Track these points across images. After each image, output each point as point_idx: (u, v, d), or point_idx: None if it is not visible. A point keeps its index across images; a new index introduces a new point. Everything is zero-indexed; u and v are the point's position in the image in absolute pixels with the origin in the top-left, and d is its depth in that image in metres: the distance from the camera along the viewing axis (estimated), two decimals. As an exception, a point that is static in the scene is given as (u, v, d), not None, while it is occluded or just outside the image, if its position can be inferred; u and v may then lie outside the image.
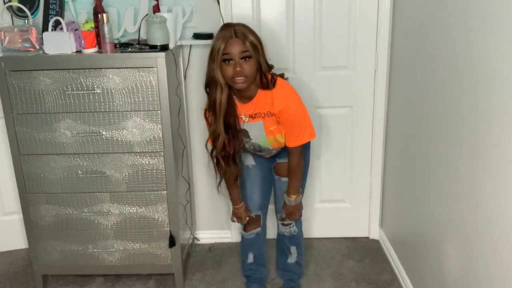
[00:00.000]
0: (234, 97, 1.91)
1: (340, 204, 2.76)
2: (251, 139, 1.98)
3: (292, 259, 2.28)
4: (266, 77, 1.86)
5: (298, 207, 2.12)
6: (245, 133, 1.97)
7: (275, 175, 2.15)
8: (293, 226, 2.21)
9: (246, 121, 1.93)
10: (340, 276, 2.44)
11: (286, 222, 2.20)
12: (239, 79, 1.77)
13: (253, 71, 1.80)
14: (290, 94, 1.90)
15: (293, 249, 2.27)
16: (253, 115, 1.92)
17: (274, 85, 1.87)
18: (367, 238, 2.81)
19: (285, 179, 2.10)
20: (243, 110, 1.92)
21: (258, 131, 1.94)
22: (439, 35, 1.79)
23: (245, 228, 2.23)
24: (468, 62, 1.55)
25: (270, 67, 1.90)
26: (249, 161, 2.14)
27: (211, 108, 1.90)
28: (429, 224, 1.97)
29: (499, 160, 1.37)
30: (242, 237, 2.28)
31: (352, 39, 2.44)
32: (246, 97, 1.90)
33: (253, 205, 2.17)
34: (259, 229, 2.22)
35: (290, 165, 2.03)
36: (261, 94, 1.88)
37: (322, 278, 2.43)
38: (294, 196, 2.07)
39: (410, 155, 2.20)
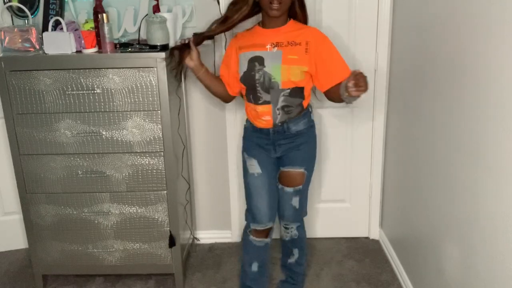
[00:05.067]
0: (258, 25, 1.96)
1: (340, 204, 2.76)
2: (265, 67, 1.90)
3: (292, 259, 2.28)
4: (305, 11, 1.98)
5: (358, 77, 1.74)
6: (260, 60, 1.91)
7: (279, 185, 2.08)
8: (294, 229, 2.18)
9: (268, 49, 1.90)
10: (340, 276, 2.44)
11: (288, 227, 2.17)
12: (275, 6, 1.80)
13: (289, 1, 1.85)
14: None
15: (295, 251, 2.25)
16: (275, 44, 1.90)
17: (307, 22, 2.00)
18: (367, 238, 2.81)
19: (289, 189, 2.06)
20: (267, 38, 1.92)
21: (274, 59, 1.89)
22: (439, 35, 1.79)
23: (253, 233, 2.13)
24: (468, 62, 1.55)
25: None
26: (255, 168, 2.04)
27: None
28: (429, 224, 1.97)
29: (499, 160, 1.37)
30: (250, 242, 2.12)
31: (352, 39, 2.44)
32: (273, 25, 1.92)
33: (262, 216, 2.05)
34: (268, 239, 2.14)
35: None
36: (290, 25, 1.93)
37: (322, 278, 2.43)
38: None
39: (410, 155, 2.20)
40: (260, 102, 1.94)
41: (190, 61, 1.99)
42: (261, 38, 1.92)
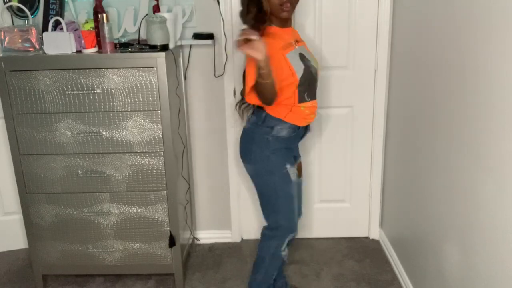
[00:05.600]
0: (274, 25, 1.87)
1: (340, 204, 2.76)
2: (310, 61, 1.90)
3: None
4: None
5: None
6: (304, 56, 1.89)
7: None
8: None
9: (296, 46, 1.89)
10: (340, 276, 2.44)
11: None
12: (287, 8, 1.79)
13: (296, 2, 1.85)
14: None
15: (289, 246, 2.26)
16: (295, 41, 1.93)
17: None
18: (367, 238, 2.81)
19: (301, 178, 2.14)
20: (289, 37, 1.90)
21: (307, 53, 1.93)
22: (439, 35, 1.79)
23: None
24: (468, 62, 1.55)
25: None
26: (295, 175, 1.96)
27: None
28: (429, 224, 1.97)
29: (499, 160, 1.37)
30: (279, 257, 2.04)
31: (352, 39, 2.45)
32: (288, 25, 1.91)
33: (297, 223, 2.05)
34: None
35: None
36: None
37: (322, 278, 2.43)
38: None
39: (410, 155, 2.20)
40: (314, 96, 1.95)
41: (258, 53, 1.61)
42: (286, 37, 1.89)
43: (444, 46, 1.75)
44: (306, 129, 2.02)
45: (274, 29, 1.86)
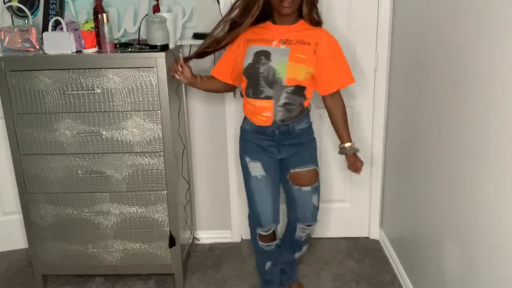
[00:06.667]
0: (269, 21, 1.94)
1: (340, 204, 2.76)
2: (270, 62, 1.87)
3: (299, 254, 2.27)
4: (317, 13, 1.95)
5: (357, 156, 2.07)
6: (266, 54, 1.90)
7: (294, 185, 2.06)
8: (312, 228, 2.16)
9: (275, 45, 1.90)
10: (340, 276, 2.44)
11: (309, 228, 2.14)
12: (287, 3, 1.80)
13: None
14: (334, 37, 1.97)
15: (305, 247, 2.25)
16: (284, 40, 1.90)
17: (320, 25, 1.97)
18: (367, 238, 2.81)
19: (307, 188, 2.05)
20: (276, 34, 1.91)
21: (281, 55, 1.88)
22: (439, 35, 1.79)
23: (261, 238, 2.13)
24: (468, 62, 1.55)
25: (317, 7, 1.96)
26: (258, 170, 2.02)
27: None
28: (429, 224, 1.97)
29: (499, 160, 1.37)
30: (261, 248, 2.15)
31: (352, 39, 2.44)
32: (284, 22, 1.91)
33: (267, 220, 2.06)
34: (276, 241, 2.16)
35: (338, 113, 2.04)
36: (301, 24, 1.93)
37: (322, 278, 2.43)
38: (350, 144, 2.04)
39: (410, 155, 2.20)
40: (261, 96, 1.91)
41: (183, 79, 1.98)
42: (270, 33, 1.92)
43: (444, 46, 1.75)
44: (279, 131, 1.96)
45: (265, 24, 1.95)
